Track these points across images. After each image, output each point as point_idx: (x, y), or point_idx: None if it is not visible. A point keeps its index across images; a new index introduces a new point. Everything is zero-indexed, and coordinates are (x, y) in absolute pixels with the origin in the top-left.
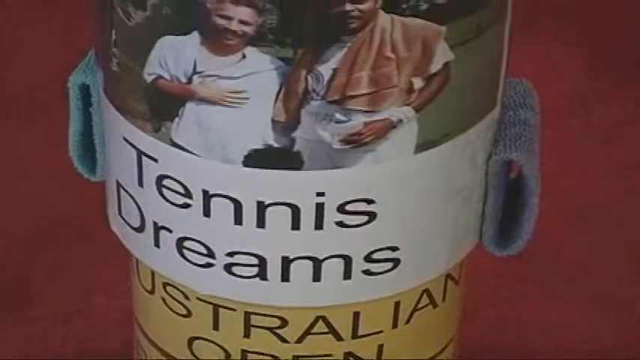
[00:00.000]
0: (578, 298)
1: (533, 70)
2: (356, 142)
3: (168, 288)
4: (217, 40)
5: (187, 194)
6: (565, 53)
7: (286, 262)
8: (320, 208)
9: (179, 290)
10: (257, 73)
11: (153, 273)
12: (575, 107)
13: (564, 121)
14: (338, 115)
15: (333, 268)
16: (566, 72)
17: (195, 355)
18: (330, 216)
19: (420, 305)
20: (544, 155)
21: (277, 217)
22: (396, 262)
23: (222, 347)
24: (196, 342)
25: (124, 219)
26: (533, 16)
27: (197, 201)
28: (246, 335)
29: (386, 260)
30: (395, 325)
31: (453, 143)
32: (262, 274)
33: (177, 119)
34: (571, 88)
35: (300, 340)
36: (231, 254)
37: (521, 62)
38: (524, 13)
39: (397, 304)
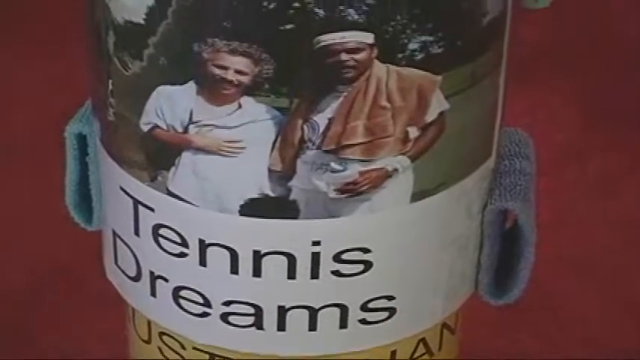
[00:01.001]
0: (575, 348)
1: (529, 120)
2: (352, 191)
3: (165, 337)
4: (213, 90)
5: (184, 243)
6: (561, 104)
7: (282, 311)
8: (316, 258)
9: (175, 339)
10: (253, 122)
11: (149, 322)
12: (571, 158)
13: (560, 172)
14: (334, 165)
15: (329, 318)
16: (562, 122)
17: None
18: (326, 265)
19: (417, 354)
20: (540, 206)
21: (273, 266)
22: (392, 311)
23: None
24: None
25: (120, 268)
26: (528, 66)
27: (193, 250)
28: None
29: (382, 309)
30: None
31: (448, 192)
32: (258, 324)
33: (173, 168)
34: (567, 138)
35: None
36: (227, 303)
37: (516, 112)
38: (519, 63)
39: (393, 353)
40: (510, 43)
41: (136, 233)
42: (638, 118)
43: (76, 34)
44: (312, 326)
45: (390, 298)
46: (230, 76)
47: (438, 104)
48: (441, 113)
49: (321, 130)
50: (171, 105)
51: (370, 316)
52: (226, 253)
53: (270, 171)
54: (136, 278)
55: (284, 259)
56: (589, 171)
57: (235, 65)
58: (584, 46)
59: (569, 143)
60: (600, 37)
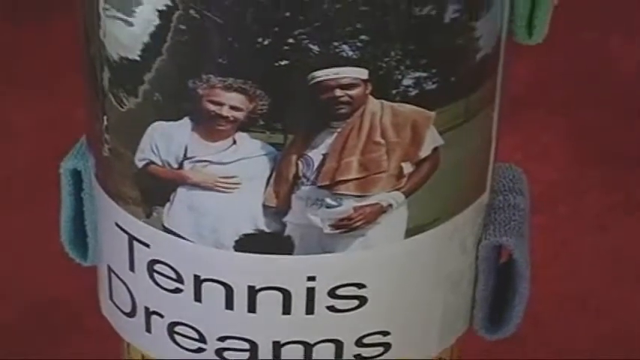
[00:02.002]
0: None
1: (522, 157)
2: (346, 226)
3: None
4: (208, 126)
5: (179, 279)
6: (554, 140)
7: (277, 346)
8: (311, 293)
9: None
10: (248, 158)
11: (143, 356)
12: (564, 195)
13: (553, 208)
14: (328, 200)
15: (324, 353)
16: (555, 159)
17: None
18: (321, 300)
19: None
20: (534, 242)
21: (268, 301)
22: (386, 346)
23: None
24: None
25: (115, 304)
26: (522, 102)
27: (188, 286)
28: None
29: (377, 345)
30: None
31: (442, 228)
32: (253, 359)
33: (168, 204)
34: (560, 175)
35: None
36: (222, 339)
37: (510, 148)
38: (513, 99)
39: None
40: (504, 79)
41: (131, 269)
42: (631, 155)
43: (70, 71)
44: None
45: (385, 333)
46: (225, 112)
47: (432, 140)
48: (435, 149)
49: (316, 165)
50: (166, 141)
51: (365, 352)
52: (221, 288)
53: (264, 207)
54: (131, 314)
55: (279, 294)
56: (582, 207)
57: (230, 101)
58: (577, 82)
59: (563, 180)
60: (594, 73)
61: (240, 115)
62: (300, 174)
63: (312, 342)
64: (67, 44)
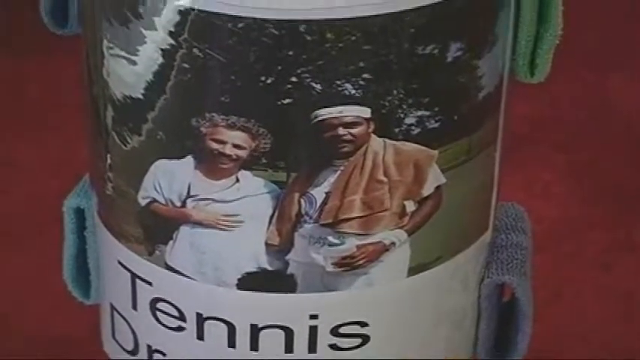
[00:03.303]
0: None
1: (524, 196)
2: (349, 265)
3: None
4: (211, 164)
5: (181, 317)
6: (557, 179)
7: None
8: (313, 331)
9: None
10: (250, 196)
11: None
12: (566, 233)
13: (555, 247)
14: (331, 239)
15: None
16: (557, 198)
17: None
18: (324, 339)
19: None
20: (536, 280)
21: (271, 340)
22: None
23: None
24: None
25: (117, 342)
26: (524, 140)
27: (191, 324)
28: None
29: None
30: None
31: (445, 266)
32: None
33: (171, 242)
34: (562, 214)
35: None
36: None
37: (512, 187)
38: (515, 137)
39: None
40: (506, 118)
41: (134, 307)
42: (632, 194)
43: (74, 109)
44: None
45: None
46: (228, 150)
47: (434, 178)
48: (438, 187)
49: (319, 203)
50: (169, 179)
51: None
52: (224, 326)
53: (267, 245)
54: (134, 352)
55: (281, 332)
56: (584, 246)
57: (233, 139)
58: (578, 121)
59: (565, 218)
60: (595, 112)
61: (243, 153)
62: (303, 212)
63: None
64: (70, 82)
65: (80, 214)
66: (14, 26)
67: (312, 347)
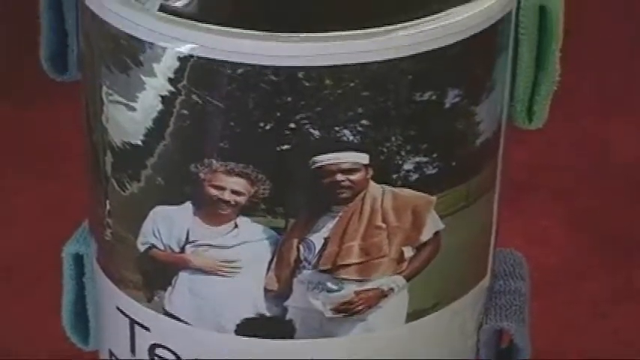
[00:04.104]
0: None
1: (523, 242)
2: (347, 311)
3: None
4: (210, 210)
5: None
6: (554, 226)
7: None
8: None
9: None
10: (249, 242)
11: None
12: (564, 280)
13: (554, 294)
14: (329, 284)
15: None
16: (556, 244)
17: None
18: None
19: None
20: (534, 328)
21: None
22: None
23: None
24: None
25: None
26: (522, 187)
27: None
28: None
29: None
30: None
31: (443, 312)
32: None
33: (170, 288)
34: (561, 261)
35: None
36: None
37: (510, 234)
38: (513, 183)
39: None
40: (504, 164)
41: (133, 353)
42: (631, 241)
43: (72, 155)
44: None
45: None
46: (227, 196)
47: (432, 224)
48: (436, 233)
49: (317, 249)
50: (168, 225)
51: None
52: None
53: (266, 291)
54: None
55: None
56: (583, 292)
57: (232, 186)
58: (577, 167)
59: (563, 265)
60: (593, 158)
61: (241, 199)
62: (302, 258)
63: None
64: (69, 129)
65: (79, 260)
66: (13, 72)
67: None
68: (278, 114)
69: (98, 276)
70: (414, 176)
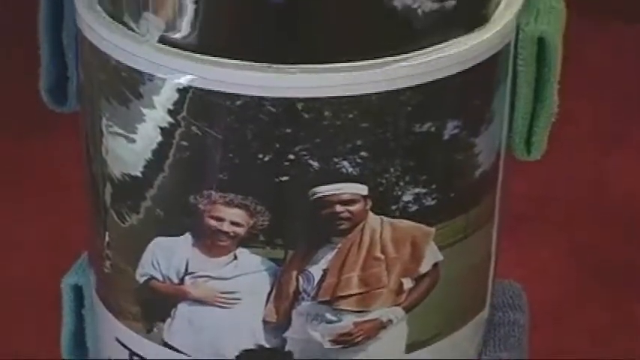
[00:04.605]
0: None
1: (522, 273)
2: (347, 342)
3: None
4: (209, 242)
5: None
6: (553, 257)
7: None
8: None
9: None
10: (248, 274)
11: None
12: (563, 311)
13: (553, 325)
14: (328, 316)
15: None
16: (555, 276)
17: None
18: None
19: None
20: (533, 358)
21: None
22: None
23: None
24: None
25: None
26: (521, 218)
27: None
28: None
29: None
30: None
31: (442, 343)
32: None
33: (169, 320)
34: (560, 292)
35: None
36: None
37: (509, 265)
38: (512, 214)
39: None
40: (503, 195)
41: None
42: (630, 272)
43: (72, 187)
44: None
45: None
46: (226, 227)
47: (431, 255)
48: (435, 264)
49: (316, 281)
50: (168, 256)
51: None
52: None
53: (265, 322)
54: None
55: None
56: (582, 324)
57: (231, 217)
58: (576, 198)
59: (562, 296)
60: (593, 189)
61: (241, 230)
62: (301, 289)
63: None
64: (68, 160)
65: (78, 291)
66: (12, 104)
67: None
68: (277, 145)
69: (97, 307)
70: (413, 207)
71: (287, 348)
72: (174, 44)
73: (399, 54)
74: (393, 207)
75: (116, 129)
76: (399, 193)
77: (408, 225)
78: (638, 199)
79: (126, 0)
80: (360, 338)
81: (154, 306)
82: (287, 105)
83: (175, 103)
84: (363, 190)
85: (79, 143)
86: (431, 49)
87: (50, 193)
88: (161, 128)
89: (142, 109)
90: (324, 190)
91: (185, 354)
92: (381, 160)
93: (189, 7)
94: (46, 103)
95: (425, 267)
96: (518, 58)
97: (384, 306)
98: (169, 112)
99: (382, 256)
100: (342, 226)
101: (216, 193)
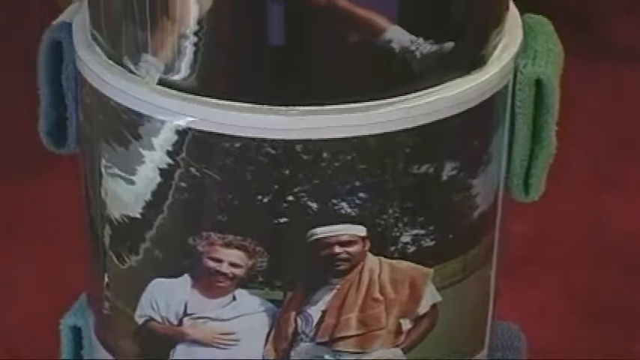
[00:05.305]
0: None
1: (519, 315)
2: None
3: None
4: (208, 283)
5: None
6: (551, 299)
7: None
8: None
9: None
10: (247, 315)
11: None
12: (561, 352)
13: None
14: (327, 357)
15: None
16: (553, 318)
17: None
18: None
19: None
20: None
21: None
22: None
23: None
24: None
25: None
26: (519, 259)
27: None
28: None
29: None
30: None
31: None
32: None
33: None
34: (558, 333)
35: None
36: None
37: (507, 306)
38: (510, 256)
39: None
40: (501, 236)
41: None
42: (629, 313)
43: (71, 229)
44: None
45: None
46: (224, 268)
47: (430, 296)
48: (434, 305)
49: (315, 322)
50: (166, 298)
51: None
52: None
53: None
54: None
55: None
56: None
57: (230, 258)
58: (573, 240)
59: (560, 337)
60: (590, 231)
61: (239, 271)
62: (299, 330)
63: None
64: (67, 202)
65: (77, 332)
66: (11, 145)
67: None
68: (276, 187)
69: (96, 348)
70: (412, 248)
71: None
72: (173, 86)
73: (396, 96)
74: (392, 248)
75: (115, 170)
76: (398, 234)
77: (406, 266)
78: (635, 240)
79: (125, 42)
80: None
81: (153, 347)
82: (286, 147)
83: (174, 145)
84: (361, 231)
85: (77, 184)
86: (429, 90)
87: (48, 235)
88: (160, 169)
89: (141, 150)
90: (322, 231)
91: None
92: (380, 201)
93: (189, 49)
94: (45, 145)
95: (423, 308)
96: (516, 99)
97: (382, 347)
98: (168, 153)
99: (381, 297)
100: (341, 267)
101: (215, 235)
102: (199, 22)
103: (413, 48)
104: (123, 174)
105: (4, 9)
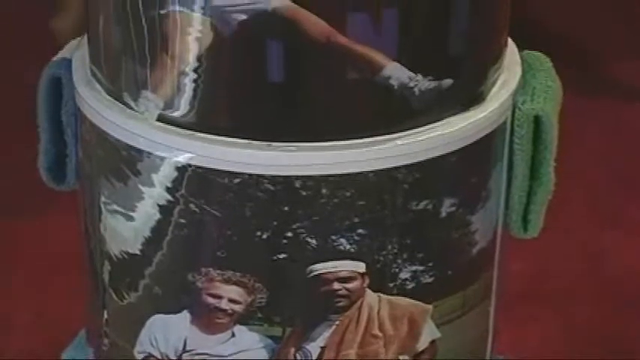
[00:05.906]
0: None
1: (518, 351)
2: None
3: None
4: (207, 319)
5: None
6: (549, 335)
7: None
8: None
9: None
10: (246, 351)
11: None
12: None
13: None
14: None
15: None
16: (550, 353)
17: None
18: None
19: None
20: None
21: None
22: None
23: None
24: None
25: None
26: (518, 295)
27: None
28: None
29: None
30: None
31: None
32: None
33: None
34: None
35: None
36: None
37: (505, 343)
38: (509, 292)
39: None
40: (500, 272)
41: None
42: (628, 349)
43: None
44: None
45: None
46: (224, 305)
47: (429, 333)
48: (433, 342)
49: (314, 358)
50: (166, 334)
51: None
52: None
53: None
54: None
55: None
56: None
57: (229, 294)
58: (572, 276)
59: None
60: (588, 268)
61: (238, 308)
62: None
63: None
64: (66, 239)
65: None
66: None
67: None
68: (275, 223)
69: None
70: (411, 285)
71: None
72: (172, 122)
73: (395, 132)
74: (391, 284)
75: (115, 207)
76: (397, 270)
77: (405, 302)
78: (634, 276)
79: (125, 79)
80: None
81: None
82: (285, 183)
83: (174, 181)
84: (360, 267)
85: (76, 220)
86: (427, 127)
87: (47, 271)
88: (159, 206)
89: (140, 186)
90: (321, 267)
91: None
92: (379, 237)
93: (188, 86)
94: (44, 182)
95: (422, 344)
96: (515, 136)
97: None
98: (168, 189)
99: (380, 334)
100: (340, 304)
101: (214, 271)
102: (199, 59)
103: (412, 85)
104: (122, 210)
105: (5, 44)
